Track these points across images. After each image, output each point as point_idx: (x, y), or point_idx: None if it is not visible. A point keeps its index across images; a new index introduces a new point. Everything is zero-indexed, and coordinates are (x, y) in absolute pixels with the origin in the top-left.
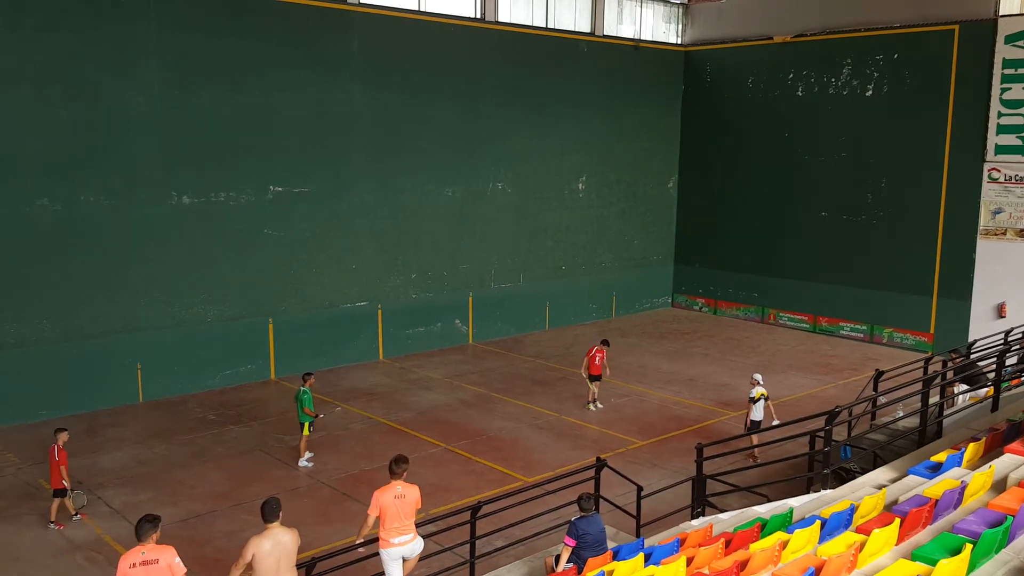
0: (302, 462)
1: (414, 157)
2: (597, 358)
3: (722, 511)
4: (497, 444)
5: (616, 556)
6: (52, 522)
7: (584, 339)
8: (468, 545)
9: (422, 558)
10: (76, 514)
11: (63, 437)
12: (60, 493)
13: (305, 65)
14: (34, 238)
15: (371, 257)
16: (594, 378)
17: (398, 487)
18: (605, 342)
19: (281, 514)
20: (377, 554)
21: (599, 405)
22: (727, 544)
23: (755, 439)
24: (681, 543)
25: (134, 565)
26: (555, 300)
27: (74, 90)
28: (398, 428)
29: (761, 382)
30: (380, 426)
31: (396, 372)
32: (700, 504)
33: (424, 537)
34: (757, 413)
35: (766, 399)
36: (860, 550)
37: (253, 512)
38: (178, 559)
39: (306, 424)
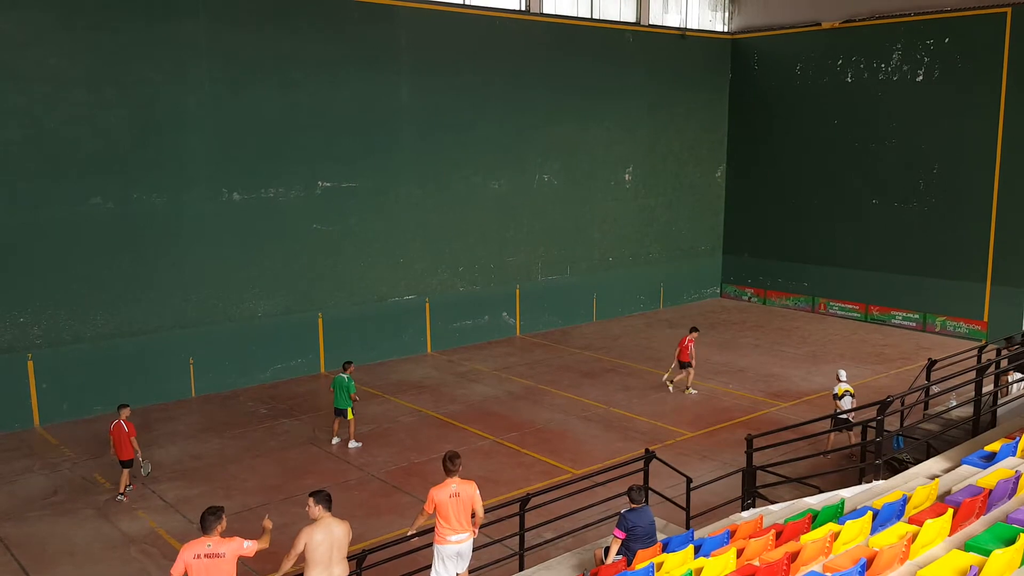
0: (352, 443)
1: (460, 150)
2: (690, 347)
3: (772, 502)
4: (546, 436)
5: (666, 548)
6: (121, 494)
7: (632, 331)
8: (517, 537)
9: (472, 549)
10: (130, 485)
11: (127, 412)
12: (129, 464)
13: (352, 61)
14: (89, 235)
15: (419, 251)
16: (683, 364)
17: (453, 485)
18: (695, 329)
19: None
20: (429, 546)
21: (693, 391)
22: (778, 536)
23: (832, 437)
24: (731, 535)
25: (198, 556)
26: (602, 292)
27: (127, 89)
28: (447, 421)
29: (844, 378)
30: (429, 419)
31: (444, 365)
32: (750, 496)
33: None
34: (844, 412)
35: (852, 395)
36: (912, 541)
37: (305, 504)
38: (247, 543)
39: (349, 409)
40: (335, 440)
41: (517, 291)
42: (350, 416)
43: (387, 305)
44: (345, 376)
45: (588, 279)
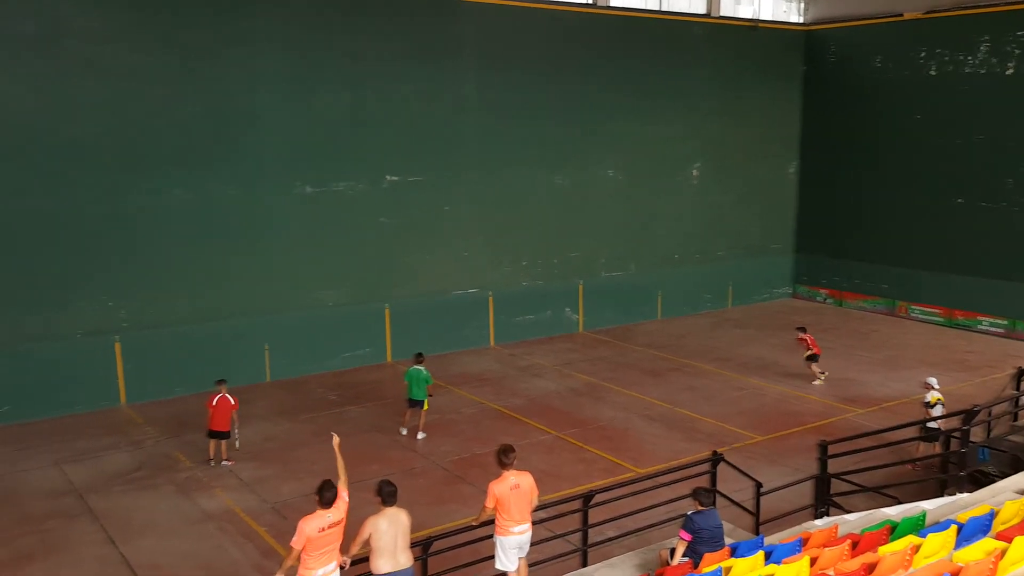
0: (418, 434)
1: (524, 145)
2: (809, 341)
3: (847, 512)
4: (608, 433)
5: (734, 553)
6: (226, 460)
7: (698, 330)
8: (580, 533)
9: (533, 543)
10: (227, 459)
11: (225, 386)
12: (223, 435)
13: (418, 56)
14: (171, 225)
15: (482, 245)
16: (813, 358)
17: (512, 477)
18: (802, 328)
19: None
20: (491, 537)
21: (820, 380)
22: (854, 546)
23: (922, 447)
24: (803, 543)
25: (322, 529)
26: (667, 289)
27: (204, 85)
28: (508, 414)
29: (936, 385)
30: (491, 411)
31: (506, 359)
32: (824, 504)
33: (535, 523)
34: (934, 420)
35: (943, 404)
36: (1001, 558)
37: (371, 490)
38: (343, 493)
39: (425, 400)
40: (403, 430)
41: (580, 287)
42: (426, 407)
43: (451, 298)
44: (422, 368)
45: (653, 276)
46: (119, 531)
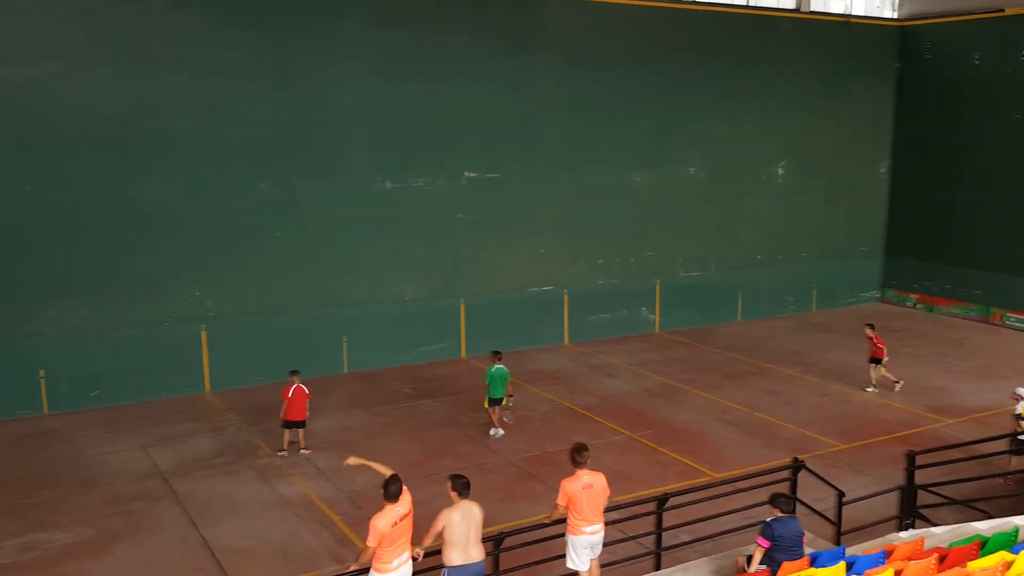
0: (498, 432)
1: (604, 142)
2: (874, 340)
3: (934, 524)
4: (683, 436)
5: (814, 563)
6: (283, 450)
7: (779, 332)
8: (653, 536)
9: (605, 544)
10: (305, 448)
11: (299, 377)
12: (299, 424)
13: (499, 53)
14: (256, 218)
15: (558, 242)
16: (876, 361)
17: (584, 476)
18: (870, 325)
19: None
20: (563, 535)
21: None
22: (941, 560)
23: (1014, 461)
24: (887, 555)
25: (395, 523)
26: (748, 291)
27: (290, 82)
28: (581, 413)
29: None
30: (564, 409)
31: (580, 357)
32: (909, 515)
33: (607, 524)
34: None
35: None
36: None
37: (444, 483)
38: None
39: (505, 398)
40: (496, 432)
41: (657, 286)
42: (504, 403)
43: (526, 295)
44: (504, 367)
45: (733, 277)
46: (200, 514)
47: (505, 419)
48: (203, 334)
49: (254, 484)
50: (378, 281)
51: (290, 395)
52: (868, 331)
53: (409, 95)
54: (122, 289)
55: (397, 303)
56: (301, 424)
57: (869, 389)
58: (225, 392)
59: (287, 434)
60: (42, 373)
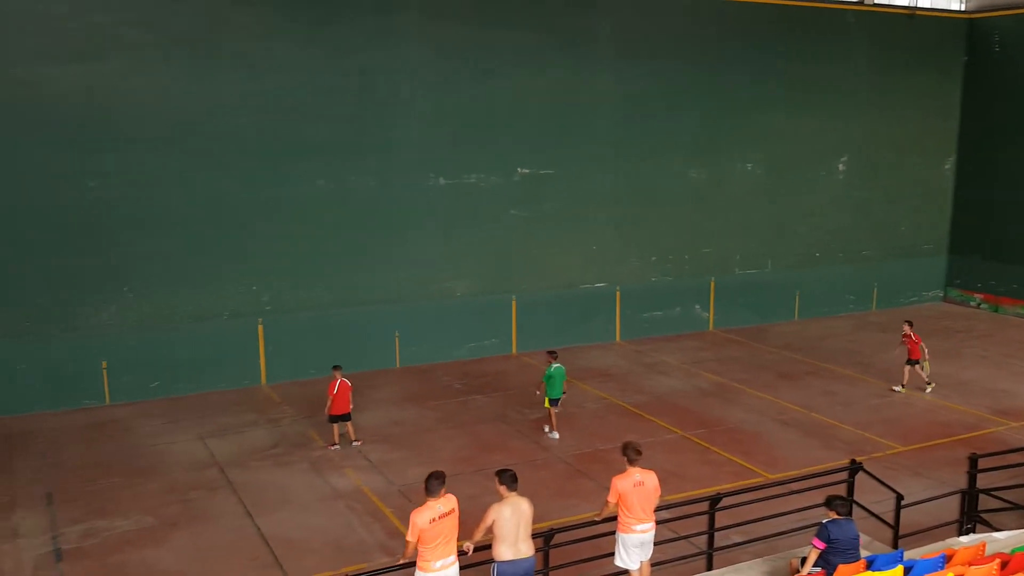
0: (554, 434)
1: (659, 138)
2: (912, 339)
3: (996, 530)
4: (737, 436)
5: (871, 566)
6: (335, 444)
7: (838, 332)
8: (705, 536)
9: (656, 543)
10: (356, 439)
11: (341, 372)
12: (346, 418)
13: (554, 49)
14: (312, 214)
15: (611, 238)
16: (911, 362)
17: (636, 474)
18: (909, 322)
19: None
20: (613, 533)
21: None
22: (1003, 566)
23: None
24: (947, 559)
25: (434, 520)
26: (806, 289)
27: (347, 79)
28: (633, 411)
29: None
30: (615, 407)
31: (632, 355)
32: (970, 520)
33: (658, 523)
34: None
35: None
36: None
37: (494, 478)
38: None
39: (559, 399)
40: (555, 434)
41: (712, 284)
42: (547, 405)
43: (577, 291)
44: (561, 366)
45: (790, 275)
46: (255, 504)
47: (539, 392)
48: (260, 327)
49: (308, 475)
50: (430, 277)
51: (335, 390)
52: (906, 327)
53: (463, 91)
54: (182, 283)
55: (449, 299)
56: (348, 417)
57: (897, 388)
58: (280, 385)
59: (336, 428)
60: (105, 364)
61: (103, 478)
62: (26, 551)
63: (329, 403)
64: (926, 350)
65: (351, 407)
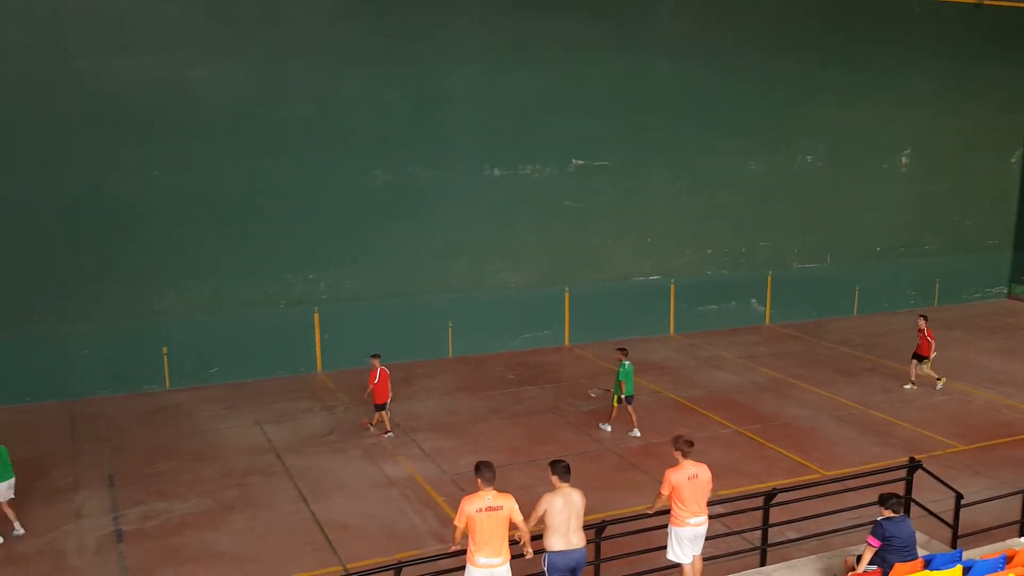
0: (635, 431)
1: (717, 129)
2: (927, 335)
3: None
4: (792, 432)
5: (928, 565)
6: (370, 426)
7: (898, 329)
8: (759, 532)
9: (708, 537)
10: (390, 431)
11: (380, 360)
12: (383, 407)
13: (612, 39)
14: (368, 204)
15: (666, 231)
16: (918, 357)
17: (690, 467)
18: (923, 316)
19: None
20: (665, 527)
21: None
22: None
23: None
24: (1008, 560)
25: (480, 510)
26: (866, 284)
27: (405, 70)
28: (686, 405)
29: None
30: (668, 401)
31: (686, 348)
32: None
33: (711, 518)
34: None
35: None
36: None
37: (546, 469)
38: (516, 506)
39: (631, 396)
40: (608, 427)
41: (769, 278)
42: (616, 403)
43: (631, 284)
44: (629, 363)
45: (850, 269)
46: (311, 489)
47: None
48: (316, 316)
49: (361, 462)
50: (484, 268)
51: (376, 379)
52: (921, 322)
53: (519, 82)
54: (241, 271)
55: (502, 290)
56: (385, 405)
57: (907, 386)
58: (335, 373)
59: (385, 415)
60: (165, 350)
61: (163, 461)
62: (89, 531)
63: (370, 391)
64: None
65: (390, 395)
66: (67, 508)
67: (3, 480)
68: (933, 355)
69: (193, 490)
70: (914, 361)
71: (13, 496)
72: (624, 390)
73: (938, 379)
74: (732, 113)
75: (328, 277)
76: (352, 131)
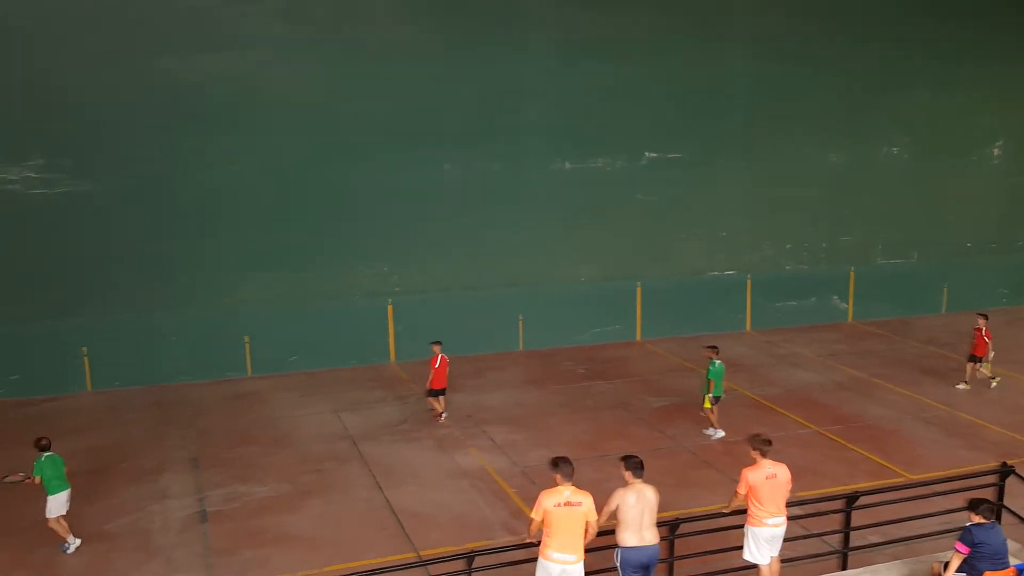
0: (718, 433)
1: (795, 119)
2: (984, 335)
3: None
4: (874, 433)
5: (1021, 574)
6: (442, 413)
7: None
8: (839, 535)
9: (786, 539)
10: (443, 413)
11: (441, 347)
12: (441, 392)
13: (686, 29)
14: (439, 198)
15: (742, 225)
16: (973, 358)
17: (768, 466)
18: (983, 315)
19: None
20: (740, 527)
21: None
22: None
23: None
24: None
25: (559, 505)
26: (955, 281)
27: (476, 63)
28: (763, 403)
29: None
30: (744, 399)
31: (763, 345)
32: None
33: (790, 519)
34: None
35: None
36: None
37: (616, 464)
38: (594, 504)
39: (720, 397)
40: (721, 432)
41: (851, 274)
42: (709, 404)
43: (705, 279)
44: (722, 362)
45: (938, 266)
46: (384, 477)
47: (709, 430)
48: (390, 308)
49: (434, 452)
50: (554, 262)
51: (436, 365)
52: (980, 322)
53: (590, 75)
54: (319, 264)
55: (573, 284)
56: (443, 391)
57: (960, 386)
58: (408, 363)
59: (434, 401)
60: (247, 339)
61: (244, 446)
62: (173, 512)
63: (431, 377)
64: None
65: (447, 383)
66: (153, 489)
67: (60, 491)
68: (991, 355)
69: (272, 474)
70: (970, 363)
71: (66, 511)
72: (713, 390)
73: (992, 378)
74: (811, 103)
75: (401, 270)
76: (424, 126)
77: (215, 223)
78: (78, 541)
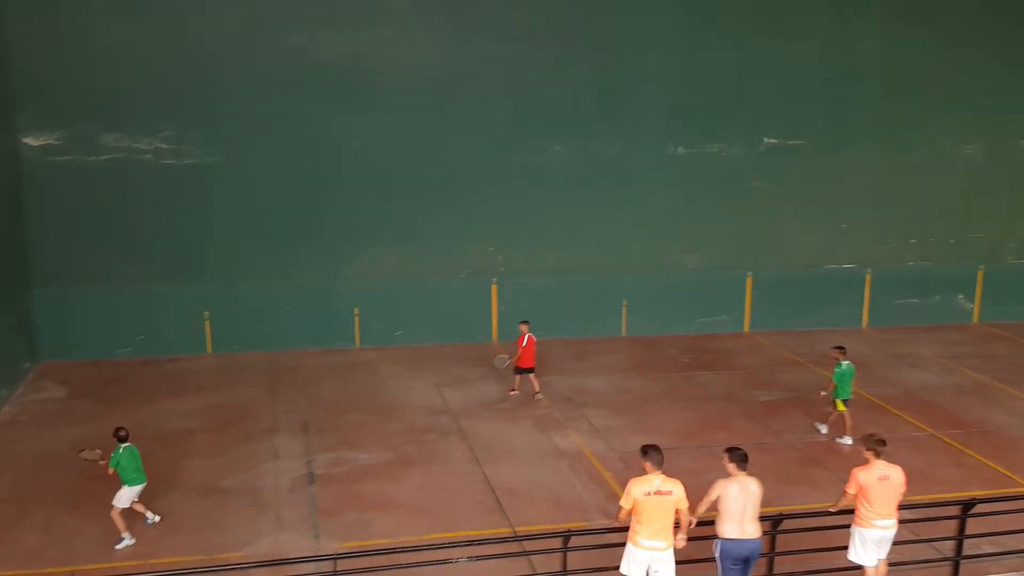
0: (846, 439)
1: (928, 107)
2: None
3: None
4: (996, 440)
5: None
6: (515, 390)
7: None
8: (952, 543)
9: (895, 543)
10: (538, 392)
11: (528, 327)
12: (531, 370)
13: (810, 10)
14: (549, 179)
15: (864, 217)
16: None
17: (881, 467)
18: None
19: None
20: (846, 527)
21: None
22: None
23: None
24: None
25: (648, 493)
26: None
27: (592, 47)
28: (877, 403)
29: None
30: (857, 398)
31: (879, 343)
32: None
33: (900, 523)
34: None
35: None
36: None
37: (717, 456)
38: (684, 493)
39: (849, 399)
40: (849, 439)
41: (980, 273)
42: (841, 407)
43: (821, 272)
44: (851, 364)
45: None
46: (483, 452)
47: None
48: (494, 287)
49: (532, 432)
50: (662, 248)
51: (523, 344)
52: None
53: (710, 58)
54: (427, 241)
55: (680, 271)
56: (532, 370)
57: None
58: (510, 344)
59: (519, 379)
60: (356, 311)
61: (351, 413)
62: (284, 472)
63: (518, 355)
64: None
65: (535, 361)
66: (267, 449)
67: (138, 484)
68: None
69: (377, 442)
70: None
71: (131, 505)
72: (838, 392)
73: None
74: (947, 90)
75: (507, 250)
76: (538, 107)
77: (331, 198)
78: (133, 539)
